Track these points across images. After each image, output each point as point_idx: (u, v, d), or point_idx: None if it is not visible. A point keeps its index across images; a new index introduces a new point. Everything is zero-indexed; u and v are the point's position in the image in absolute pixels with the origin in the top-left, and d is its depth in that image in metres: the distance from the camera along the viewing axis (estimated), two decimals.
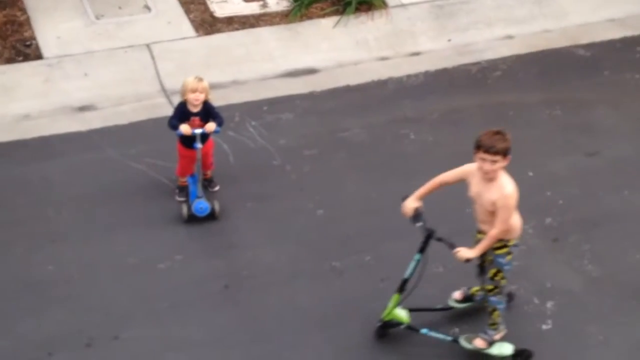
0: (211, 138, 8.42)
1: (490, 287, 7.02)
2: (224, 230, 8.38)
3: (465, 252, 6.64)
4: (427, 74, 10.52)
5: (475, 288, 7.41)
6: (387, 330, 7.19)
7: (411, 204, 6.79)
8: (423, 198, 6.82)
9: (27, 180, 8.81)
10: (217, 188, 8.63)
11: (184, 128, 8.04)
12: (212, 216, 8.41)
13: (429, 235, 6.76)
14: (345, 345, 7.25)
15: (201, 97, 8.09)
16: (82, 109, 9.75)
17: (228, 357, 7.21)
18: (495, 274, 6.93)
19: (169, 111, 9.59)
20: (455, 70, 10.59)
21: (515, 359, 7.20)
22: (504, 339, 7.18)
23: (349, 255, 7.80)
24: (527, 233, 8.39)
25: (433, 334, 7.21)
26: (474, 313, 7.48)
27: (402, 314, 7.11)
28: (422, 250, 6.84)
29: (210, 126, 8.10)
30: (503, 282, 6.97)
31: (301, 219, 8.48)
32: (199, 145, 8.10)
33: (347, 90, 10.26)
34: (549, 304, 7.73)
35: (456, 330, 7.39)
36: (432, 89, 10.30)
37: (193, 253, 8.13)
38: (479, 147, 6.54)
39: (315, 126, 9.67)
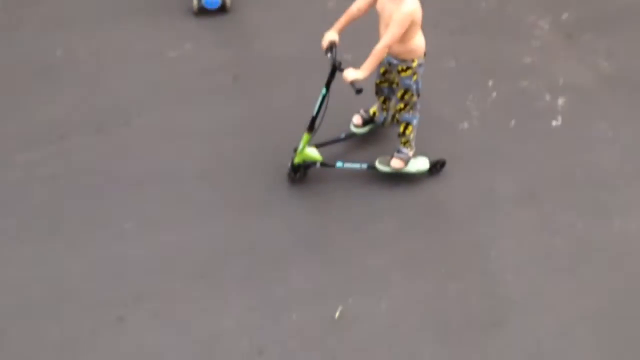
0: None
1: (401, 105, 6.77)
2: (234, 20, 8.27)
3: (350, 73, 6.18)
4: None
5: (374, 108, 7.20)
6: (300, 173, 6.88)
7: (328, 36, 6.45)
8: (342, 29, 6.46)
9: None
10: None
11: None
12: (222, 9, 8.27)
13: (334, 68, 6.38)
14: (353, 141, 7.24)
15: None
16: None
17: (236, 146, 7.24)
18: (404, 94, 6.72)
19: None
20: None
21: (431, 171, 7.05)
22: (416, 155, 6.97)
23: (360, 47, 7.68)
24: (543, 29, 8.27)
25: (348, 165, 6.94)
26: (380, 135, 7.27)
27: (313, 152, 6.81)
28: (327, 84, 6.47)
29: None
30: (413, 99, 6.71)
31: (312, 11, 8.34)
32: None
33: None
34: (560, 101, 7.68)
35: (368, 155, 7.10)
36: None
37: (203, 42, 8.05)
38: None
39: None
